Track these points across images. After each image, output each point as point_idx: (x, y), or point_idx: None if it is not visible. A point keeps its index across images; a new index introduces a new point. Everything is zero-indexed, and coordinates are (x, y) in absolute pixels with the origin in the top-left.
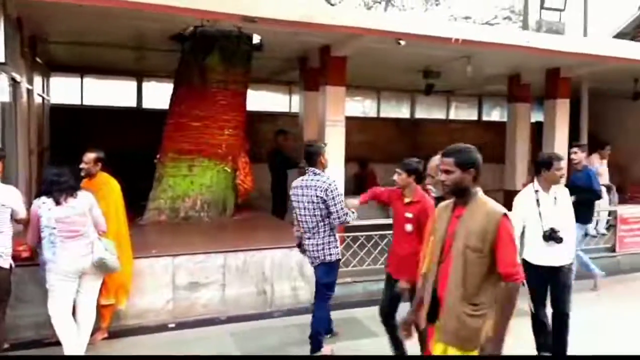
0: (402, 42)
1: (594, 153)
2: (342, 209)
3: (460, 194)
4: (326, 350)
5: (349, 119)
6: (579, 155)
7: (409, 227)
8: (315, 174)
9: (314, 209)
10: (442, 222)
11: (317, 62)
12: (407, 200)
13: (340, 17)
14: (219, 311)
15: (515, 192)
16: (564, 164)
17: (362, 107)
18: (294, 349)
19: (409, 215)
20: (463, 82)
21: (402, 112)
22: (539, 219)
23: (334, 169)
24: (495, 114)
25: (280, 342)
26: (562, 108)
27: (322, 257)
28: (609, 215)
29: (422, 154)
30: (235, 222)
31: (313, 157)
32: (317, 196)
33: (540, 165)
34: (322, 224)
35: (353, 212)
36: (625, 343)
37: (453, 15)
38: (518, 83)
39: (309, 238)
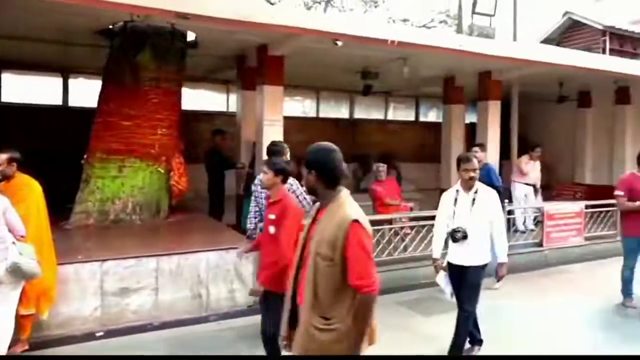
0: (339, 43)
1: (524, 154)
2: (305, 199)
3: (315, 195)
4: None
5: (288, 119)
6: (480, 154)
7: (271, 230)
8: None
9: None
10: (307, 224)
11: (255, 61)
12: (271, 200)
13: (278, 16)
14: (152, 317)
15: None
16: (476, 164)
17: (302, 106)
18: (230, 353)
19: (272, 216)
20: (400, 84)
21: (341, 112)
22: (452, 218)
23: None
24: (432, 115)
25: (216, 346)
26: (494, 109)
27: None
28: (536, 211)
29: (361, 153)
30: (169, 225)
31: (277, 156)
32: None
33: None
34: None
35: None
36: (539, 331)
37: (391, 18)
38: (453, 85)
39: None
